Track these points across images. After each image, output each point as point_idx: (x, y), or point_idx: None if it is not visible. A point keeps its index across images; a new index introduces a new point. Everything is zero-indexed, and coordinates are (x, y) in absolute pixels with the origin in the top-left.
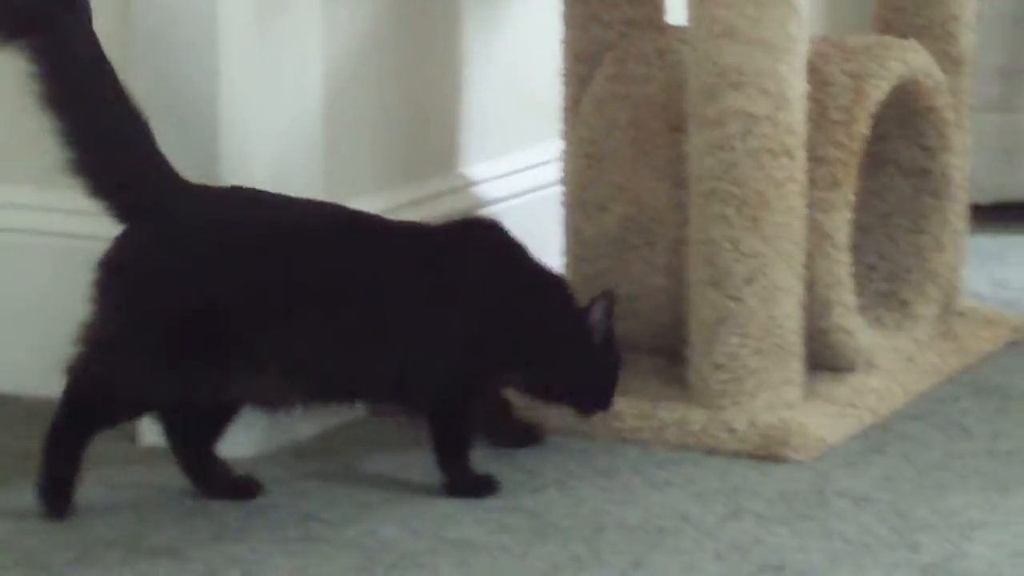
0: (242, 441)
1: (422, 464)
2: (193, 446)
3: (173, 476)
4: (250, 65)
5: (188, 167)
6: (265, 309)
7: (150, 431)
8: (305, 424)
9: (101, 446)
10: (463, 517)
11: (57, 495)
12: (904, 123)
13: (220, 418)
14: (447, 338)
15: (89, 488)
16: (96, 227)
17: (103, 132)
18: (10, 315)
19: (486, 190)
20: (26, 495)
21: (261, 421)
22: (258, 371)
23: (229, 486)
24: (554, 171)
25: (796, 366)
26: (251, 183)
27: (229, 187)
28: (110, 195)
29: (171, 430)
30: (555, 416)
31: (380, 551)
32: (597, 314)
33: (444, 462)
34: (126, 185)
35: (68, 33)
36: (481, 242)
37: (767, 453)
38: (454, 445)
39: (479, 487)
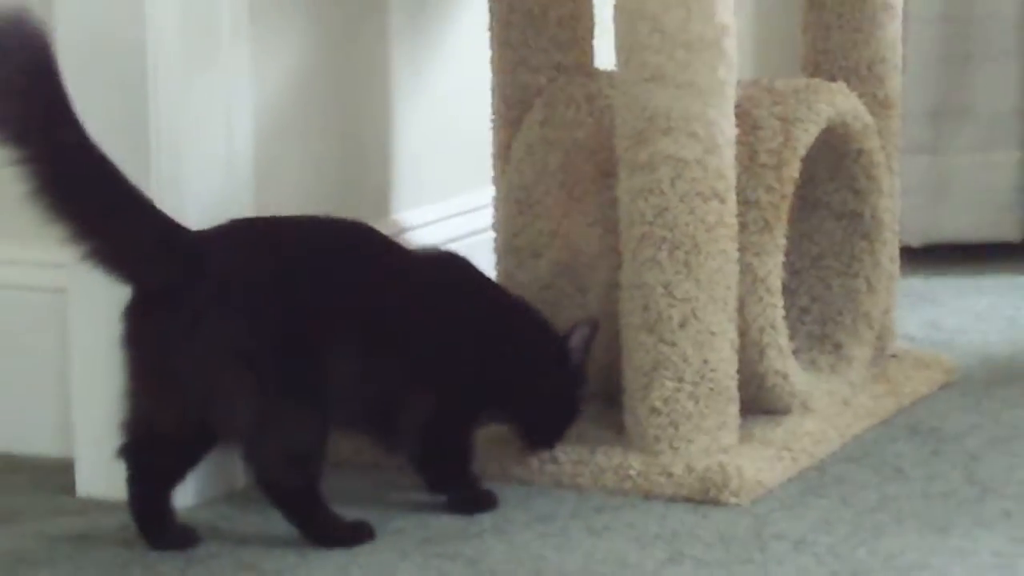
0: (179, 490)
1: (359, 511)
2: (153, 493)
3: (111, 528)
4: (179, 111)
5: None
6: (327, 334)
7: (86, 482)
8: (241, 473)
9: (38, 498)
10: (401, 564)
11: (357, 530)
12: (834, 166)
13: (186, 465)
14: (444, 371)
15: (26, 540)
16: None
17: (116, 223)
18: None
19: (419, 236)
20: None
21: (199, 469)
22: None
23: (172, 536)
24: (486, 217)
25: (732, 410)
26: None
27: (231, 222)
28: (142, 274)
29: (137, 476)
30: (493, 463)
31: None
32: (577, 340)
33: (442, 485)
34: (155, 260)
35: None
36: (461, 275)
37: (705, 497)
38: (452, 470)
39: (482, 502)
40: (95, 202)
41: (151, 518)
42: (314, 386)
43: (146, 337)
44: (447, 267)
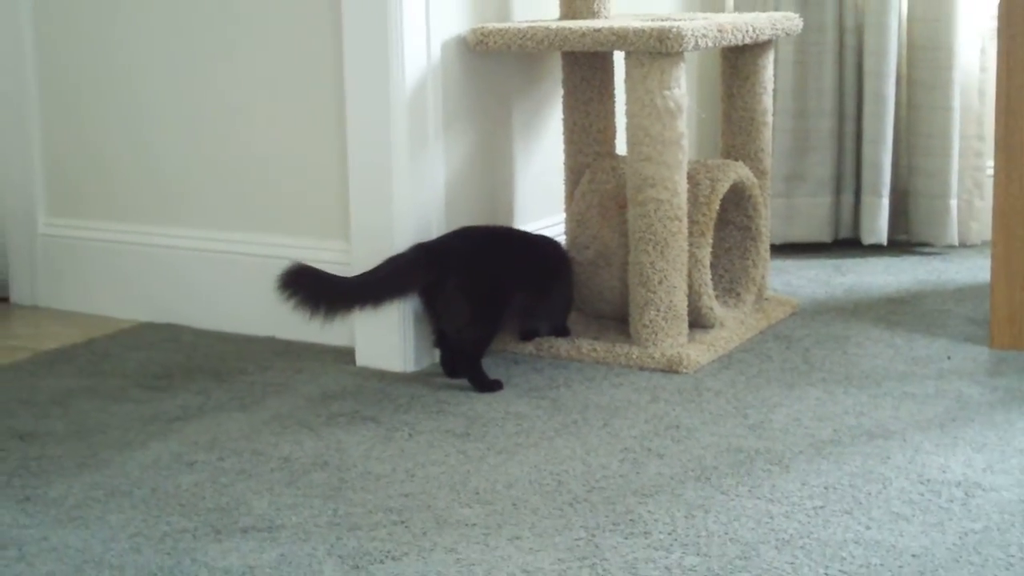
0: (405, 360)
1: (495, 374)
2: (449, 358)
3: (373, 382)
4: (407, 179)
5: (376, 223)
6: (510, 283)
7: (362, 357)
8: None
9: (332, 366)
10: (517, 400)
11: (497, 384)
12: (737, 203)
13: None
14: (569, 286)
15: (330, 382)
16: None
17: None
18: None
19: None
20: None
21: (417, 348)
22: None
23: (455, 374)
24: (561, 227)
25: (683, 327)
26: (408, 233)
27: (459, 230)
28: (431, 276)
29: (443, 351)
30: (563, 348)
31: (474, 420)
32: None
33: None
34: (417, 280)
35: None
36: (554, 245)
37: (670, 369)
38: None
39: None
40: (374, 297)
41: (451, 367)
42: (500, 312)
43: (428, 295)
44: (550, 243)
